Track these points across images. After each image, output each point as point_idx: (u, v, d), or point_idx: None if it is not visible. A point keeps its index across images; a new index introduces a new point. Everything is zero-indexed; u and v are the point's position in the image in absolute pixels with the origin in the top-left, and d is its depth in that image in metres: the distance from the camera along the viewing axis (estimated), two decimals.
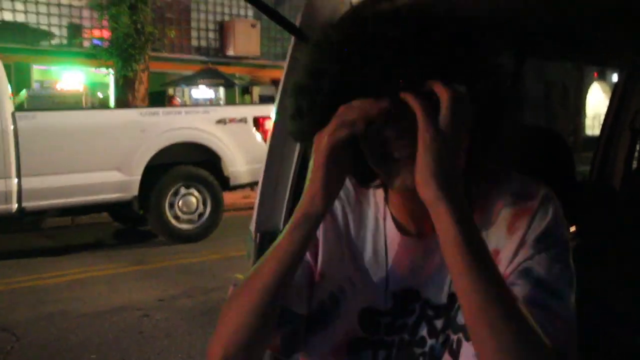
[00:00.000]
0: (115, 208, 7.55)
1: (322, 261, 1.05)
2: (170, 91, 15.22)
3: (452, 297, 0.95)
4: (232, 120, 7.54)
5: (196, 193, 7.39)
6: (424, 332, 0.98)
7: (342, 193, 1.05)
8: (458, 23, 0.88)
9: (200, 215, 7.43)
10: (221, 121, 7.45)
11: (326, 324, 1.03)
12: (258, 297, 0.90)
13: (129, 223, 8.12)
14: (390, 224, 1.02)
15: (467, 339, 0.92)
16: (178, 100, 15.10)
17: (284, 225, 1.60)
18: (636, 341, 1.46)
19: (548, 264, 0.89)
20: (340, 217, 1.06)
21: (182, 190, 7.30)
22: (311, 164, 0.88)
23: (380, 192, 1.03)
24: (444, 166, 0.80)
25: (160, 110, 7.89)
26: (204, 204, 7.44)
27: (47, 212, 7.04)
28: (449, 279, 0.95)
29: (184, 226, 7.33)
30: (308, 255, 1.04)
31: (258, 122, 7.72)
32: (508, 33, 1.67)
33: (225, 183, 7.64)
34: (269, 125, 7.75)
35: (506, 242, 0.93)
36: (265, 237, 1.62)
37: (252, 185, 8.11)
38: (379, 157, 0.88)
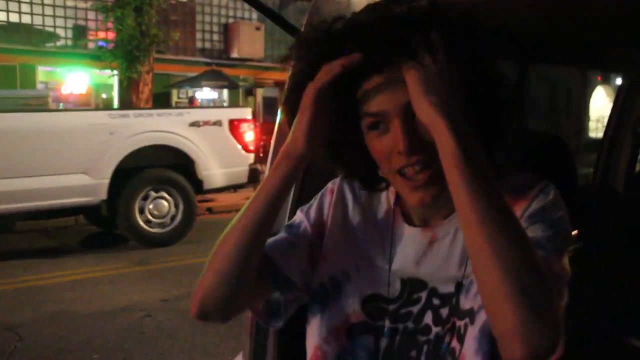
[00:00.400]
0: (84, 212, 7.46)
1: (326, 245, 1.07)
2: (190, 92, 15.25)
3: (459, 285, 0.96)
4: (206, 123, 7.43)
5: (168, 196, 7.27)
6: (429, 320, 0.99)
7: (355, 185, 1.09)
8: (466, 19, 0.91)
9: (173, 218, 7.30)
10: (195, 124, 7.34)
11: (325, 306, 1.05)
12: (243, 234, 0.95)
13: (104, 226, 7.94)
14: (398, 214, 1.04)
15: (473, 323, 0.93)
16: (199, 101, 15.14)
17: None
18: (633, 341, 1.47)
19: (536, 231, 0.87)
20: (350, 208, 1.08)
21: (153, 194, 7.17)
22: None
23: (392, 189, 1.06)
24: (433, 85, 0.82)
25: (130, 112, 7.70)
26: (176, 208, 7.32)
27: (13, 215, 6.90)
28: (456, 269, 0.96)
29: (155, 230, 7.20)
30: (311, 233, 1.07)
31: (234, 125, 7.61)
32: (512, 38, 1.68)
33: (199, 186, 7.54)
34: (245, 128, 7.65)
35: None
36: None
37: (228, 189, 8.05)
38: (393, 172, 0.92)
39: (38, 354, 3.94)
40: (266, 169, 1.67)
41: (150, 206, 7.15)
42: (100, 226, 8.02)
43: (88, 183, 6.75)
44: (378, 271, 1.04)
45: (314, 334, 1.07)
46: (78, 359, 3.88)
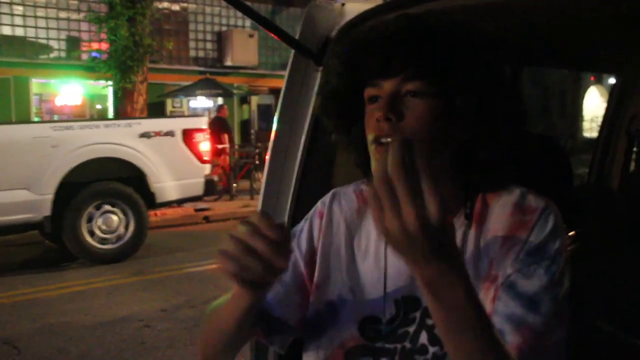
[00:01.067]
0: (32, 228, 7.08)
1: (319, 273, 1.07)
2: (184, 101, 15.22)
3: None
4: (157, 134, 7.20)
5: (118, 211, 7.03)
6: (424, 340, 0.99)
7: (344, 202, 1.10)
8: (461, 28, 0.95)
9: (123, 234, 7.06)
10: (145, 135, 7.11)
11: (322, 332, 1.05)
12: (223, 339, 1.02)
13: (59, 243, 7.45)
14: None
15: None
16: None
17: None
18: (633, 341, 1.48)
19: (533, 278, 0.89)
20: (342, 228, 1.08)
21: (102, 208, 6.93)
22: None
23: None
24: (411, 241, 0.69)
25: (75, 124, 7.36)
26: (127, 222, 7.08)
27: None
28: None
29: (105, 246, 6.95)
30: (303, 266, 1.07)
31: (188, 135, 7.42)
32: (505, 42, 1.69)
33: (152, 200, 7.28)
34: (200, 138, 7.49)
35: (501, 255, 0.93)
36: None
37: (182, 202, 7.81)
38: (371, 143, 0.96)
39: None
40: (264, 176, 1.69)
41: (99, 221, 6.91)
42: (55, 243, 7.60)
43: (30, 199, 6.48)
44: (373, 292, 1.03)
45: (311, 358, 1.07)
46: None
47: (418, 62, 0.91)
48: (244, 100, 16.73)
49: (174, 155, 7.35)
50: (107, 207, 6.98)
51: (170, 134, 7.30)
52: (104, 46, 10.90)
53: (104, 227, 6.93)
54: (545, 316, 0.87)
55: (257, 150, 12.59)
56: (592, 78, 17.51)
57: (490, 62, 0.95)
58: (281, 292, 1.05)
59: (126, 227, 7.07)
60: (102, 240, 6.92)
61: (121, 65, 9.92)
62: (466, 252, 0.97)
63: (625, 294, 1.66)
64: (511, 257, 0.92)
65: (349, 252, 1.06)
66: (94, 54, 11.69)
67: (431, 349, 0.98)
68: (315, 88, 1.54)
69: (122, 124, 7.43)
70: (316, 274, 1.07)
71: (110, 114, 13.82)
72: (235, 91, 14.74)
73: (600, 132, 2.85)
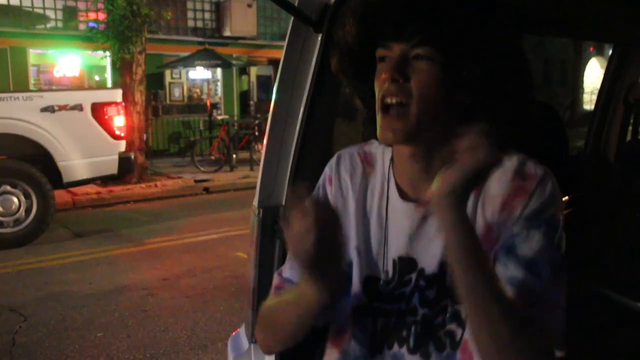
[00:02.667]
0: None
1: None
2: (183, 72, 15.10)
3: (443, 265, 0.99)
4: (62, 108, 6.66)
5: (19, 192, 6.49)
6: (416, 301, 1.02)
7: (349, 164, 1.13)
8: None
9: (25, 216, 6.52)
10: (48, 109, 6.58)
11: (348, 290, 1.09)
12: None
13: None
14: (393, 190, 1.07)
15: None
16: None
17: (286, 201, 1.65)
18: (626, 302, 1.53)
19: (532, 242, 0.92)
20: (350, 189, 1.11)
21: (0, 189, 6.40)
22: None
23: (387, 163, 1.09)
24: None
25: None
26: (30, 204, 6.55)
27: None
28: (442, 249, 0.99)
29: (5, 230, 6.40)
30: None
31: (98, 109, 6.91)
32: (505, 9, 1.69)
33: (59, 180, 6.80)
34: (114, 112, 7.01)
35: (500, 219, 0.96)
36: (268, 212, 1.67)
37: (93, 181, 7.32)
38: (379, 105, 0.98)
39: (43, 333, 4.01)
40: (264, 146, 1.71)
41: None
42: None
43: None
44: (374, 251, 1.07)
45: (341, 318, 1.12)
46: (82, 337, 3.94)
47: (430, 29, 0.92)
48: (243, 71, 16.62)
49: (82, 131, 6.82)
50: (7, 188, 6.47)
51: (77, 107, 6.76)
52: (102, 16, 10.79)
53: (1, 210, 6.42)
54: (545, 278, 0.91)
55: (256, 122, 12.58)
56: (591, 49, 17.37)
57: (502, 34, 0.96)
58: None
59: (28, 210, 6.54)
60: (2, 224, 6.41)
61: (119, 35, 9.83)
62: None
63: (618, 256, 1.70)
64: (510, 220, 0.95)
65: (359, 213, 1.09)
66: (91, 24, 11.57)
67: (420, 311, 1.02)
68: (315, 56, 1.55)
69: (20, 97, 6.72)
70: (351, 239, 1.10)
71: (109, 85, 13.76)
72: (234, 62, 14.63)
73: (598, 101, 2.87)
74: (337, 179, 1.13)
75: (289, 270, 1.14)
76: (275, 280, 1.16)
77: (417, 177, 1.03)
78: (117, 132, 7.13)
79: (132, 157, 7.49)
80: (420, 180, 1.02)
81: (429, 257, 1.01)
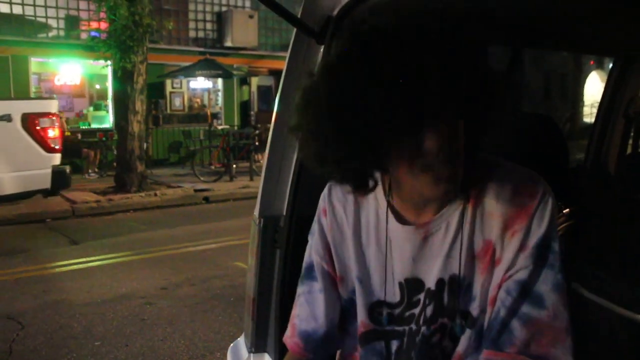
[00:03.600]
0: None
1: (338, 268, 1.13)
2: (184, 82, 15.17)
3: (440, 282, 1.00)
4: None
5: None
6: (421, 320, 1.03)
7: (341, 193, 1.12)
8: (446, 20, 0.90)
9: None
10: None
11: (352, 321, 1.13)
12: None
13: None
14: (390, 216, 1.06)
15: (470, 327, 0.98)
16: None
17: (287, 211, 1.66)
18: (624, 314, 1.52)
19: (540, 275, 0.94)
20: (345, 221, 1.11)
21: None
22: None
23: (379, 189, 1.07)
24: None
25: None
26: None
27: None
28: (441, 265, 1.00)
29: None
30: (327, 268, 1.14)
31: (30, 120, 6.49)
32: (504, 24, 1.71)
33: None
34: (47, 123, 6.53)
35: (502, 241, 0.96)
36: (268, 222, 1.68)
37: (22, 197, 6.85)
38: (420, 167, 0.92)
39: (40, 342, 3.99)
40: (265, 157, 1.71)
41: None
42: None
43: None
44: (378, 277, 1.07)
45: (348, 349, 1.17)
46: (80, 346, 3.93)
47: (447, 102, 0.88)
48: (244, 81, 16.66)
49: (11, 143, 6.38)
50: None
51: (5, 118, 6.31)
52: (103, 25, 10.83)
53: None
54: (549, 308, 0.93)
55: (256, 132, 12.59)
56: (591, 62, 17.42)
57: (469, 55, 0.90)
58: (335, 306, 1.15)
59: None
60: None
61: (121, 45, 9.86)
62: (463, 228, 0.99)
63: (617, 269, 1.70)
64: (514, 244, 0.95)
65: (356, 241, 1.10)
66: (93, 34, 11.61)
67: (422, 329, 1.03)
68: (317, 67, 1.56)
69: None
70: (337, 269, 1.13)
71: (110, 94, 13.79)
72: (235, 72, 14.67)
73: (598, 114, 2.88)
74: (331, 211, 1.13)
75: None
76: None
77: (417, 199, 1.01)
78: (52, 145, 6.72)
79: (67, 170, 7.05)
80: (419, 200, 1.02)
81: (432, 271, 1.02)
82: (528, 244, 0.94)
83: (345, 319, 1.15)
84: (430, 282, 1.02)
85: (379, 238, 1.07)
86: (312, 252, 1.16)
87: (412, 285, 1.04)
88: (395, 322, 1.06)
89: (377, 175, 1.05)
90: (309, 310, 1.14)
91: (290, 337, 1.18)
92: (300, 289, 1.18)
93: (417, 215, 1.03)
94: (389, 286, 1.06)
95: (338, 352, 1.20)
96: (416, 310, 1.04)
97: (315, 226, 1.16)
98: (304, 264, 1.18)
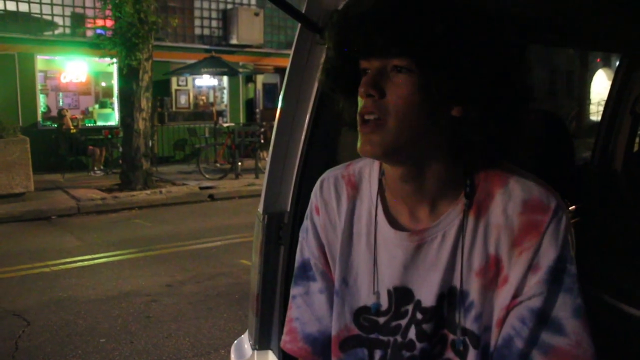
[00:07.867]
0: None
1: (332, 265, 1.08)
2: (189, 79, 15.22)
3: (441, 297, 0.95)
4: None
5: None
6: (412, 335, 0.97)
7: (333, 189, 1.07)
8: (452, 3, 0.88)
9: None
10: None
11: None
12: None
13: None
14: (382, 218, 1.01)
15: (475, 347, 0.92)
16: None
17: (291, 208, 1.65)
18: (634, 313, 1.51)
19: (556, 300, 0.88)
20: (336, 216, 1.06)
21: None
22: None
23: (375, 186, 1.03)
24: None
25: None
26: None
27: None
28: (440, 279, 0.94)
29: None
30: (322, 265, 1.09)
31: None
32: (510, 20, 1.69)
33: None
34: None
35: (512, 260, 0.90)
36: (272, 218, 1.67)
37: None
38: (359, 120, 0.92)
39: (46, 338, 4.00)
40: (269, 154, 1.71)
41: None
42: None
43: None
44: (365, 282, 1.02)
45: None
46: (85, 343, 3.94)
47: (402, 39, 0.85)
48: (249, 79, 16.67)
49: None
50: None
51: None
52: (109, 23, 10.85)
53: None
54: (571, 335, 0.87)
55: (262, 129, 12.59)
56: (598, 60, 17.35)
57: (487, 40, 0.87)
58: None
59: None
60: None
61: (126, 42, 9.87)
62: (464, 239, 0.93)
63: (625, 266, 1.69)
64: (522, 263, 0.89)
65: (344, 241, 1.05)
66: (98, 31, 11.63)
67: (418, 345, 0.97)
68: (321, 63, 1.55)
69: None
70: (332, 268, 1.08)
71: (116, 91, 13.82)
72: (240, 70, 14.66)
73: (605, 112, 2.86)
74: (324, 207, 1.07)
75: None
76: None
77: (410, 199, 0.97)
78: None
79: None
80: (412, 202, 0.97)
81: (426, 288, 0.96)
82: (539, 265, 0.88)
83: None
84: (422, 295, 0.96)
85: (368, 240, 1.02)
86: (307, 252, 1.10)
87: (400, 294, 0.98)
88: (379, 330, 1.00)
89: (374, 173, 1.03)
90: (309, 312, 1.09)
91: (291, 342, 1.11)
92: (296, 290, 1.11)
93: (413, 220, 0.98)
94: (376, 292, 1.00)
95: None
96: (403, 322, 0.98)
97: (307, 224, 1.10)
98: (297, 263, 1.12)
